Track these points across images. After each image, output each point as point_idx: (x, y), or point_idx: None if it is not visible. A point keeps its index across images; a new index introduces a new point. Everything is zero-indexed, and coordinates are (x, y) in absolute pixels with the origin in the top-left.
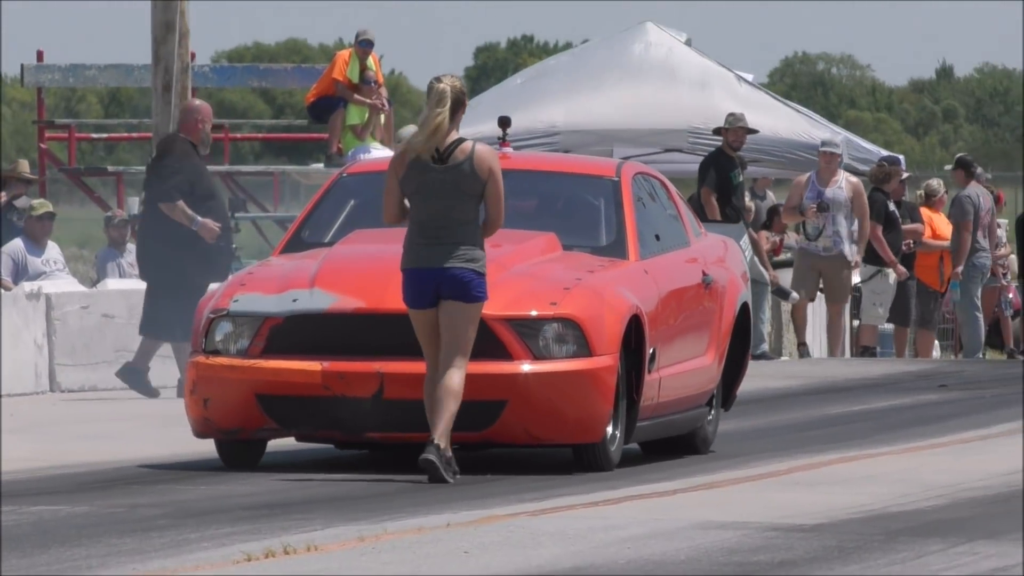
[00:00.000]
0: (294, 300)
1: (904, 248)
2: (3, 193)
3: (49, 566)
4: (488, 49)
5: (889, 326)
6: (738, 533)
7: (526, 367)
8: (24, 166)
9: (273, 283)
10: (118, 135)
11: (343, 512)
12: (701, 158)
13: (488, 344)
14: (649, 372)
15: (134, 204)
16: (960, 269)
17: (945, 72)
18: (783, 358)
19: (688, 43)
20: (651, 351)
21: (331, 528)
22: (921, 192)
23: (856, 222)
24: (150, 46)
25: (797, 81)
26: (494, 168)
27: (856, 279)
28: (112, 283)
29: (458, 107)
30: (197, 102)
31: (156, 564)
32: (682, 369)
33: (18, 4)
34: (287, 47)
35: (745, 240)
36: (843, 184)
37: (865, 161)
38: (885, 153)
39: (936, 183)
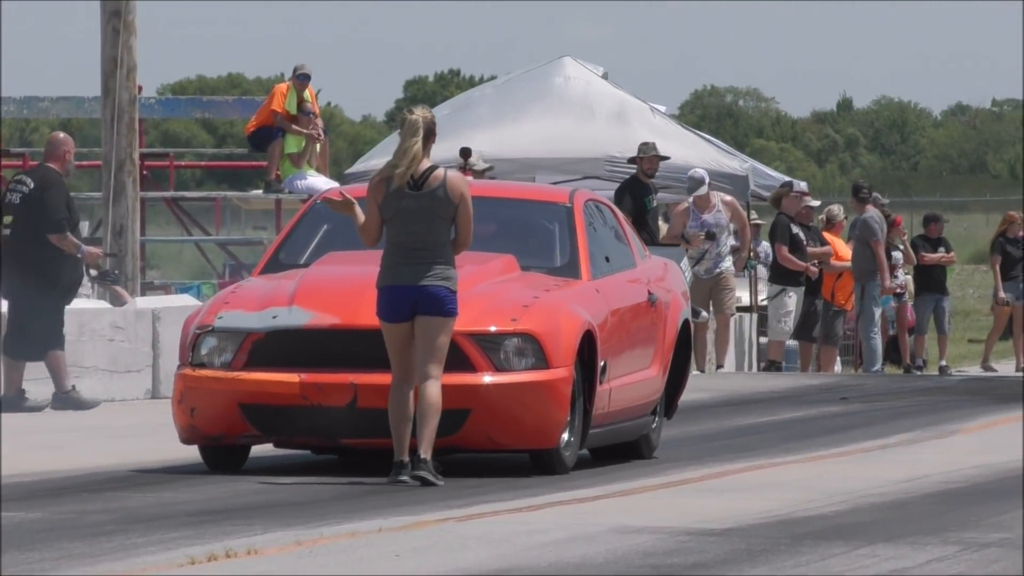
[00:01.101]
0: (274, 317)
1: (813, 268)
2: None
3: (5, 568)
4: (417, 82)
5: (794, 342)
6: (653, 537)
7: (488, 378)
8: None
9: (254, 301)
10: None
11: (281, 517)
12: (617, 185)
13: (453, 357)
14: (600, 383)
15: (83, 228)
16: (896, 283)
17: (845, 103)
18: (694, 372)
19: (605, 76)
20: (602, 364)
21: (270, 533)
22: (823, 216)
23: (736, 239)
24: (100, 79)
25: (707, 112)
26: (465, 193)
27: (745, 298)
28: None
29: (429, 136)
30: (62, 135)
31: (105, 567)
32: (630, 380)
33: None
34: (228, 80)
35: (685, 262)
36: (719, 206)
37: (769, 187)
38: (786, 179)
39: (836, 208)
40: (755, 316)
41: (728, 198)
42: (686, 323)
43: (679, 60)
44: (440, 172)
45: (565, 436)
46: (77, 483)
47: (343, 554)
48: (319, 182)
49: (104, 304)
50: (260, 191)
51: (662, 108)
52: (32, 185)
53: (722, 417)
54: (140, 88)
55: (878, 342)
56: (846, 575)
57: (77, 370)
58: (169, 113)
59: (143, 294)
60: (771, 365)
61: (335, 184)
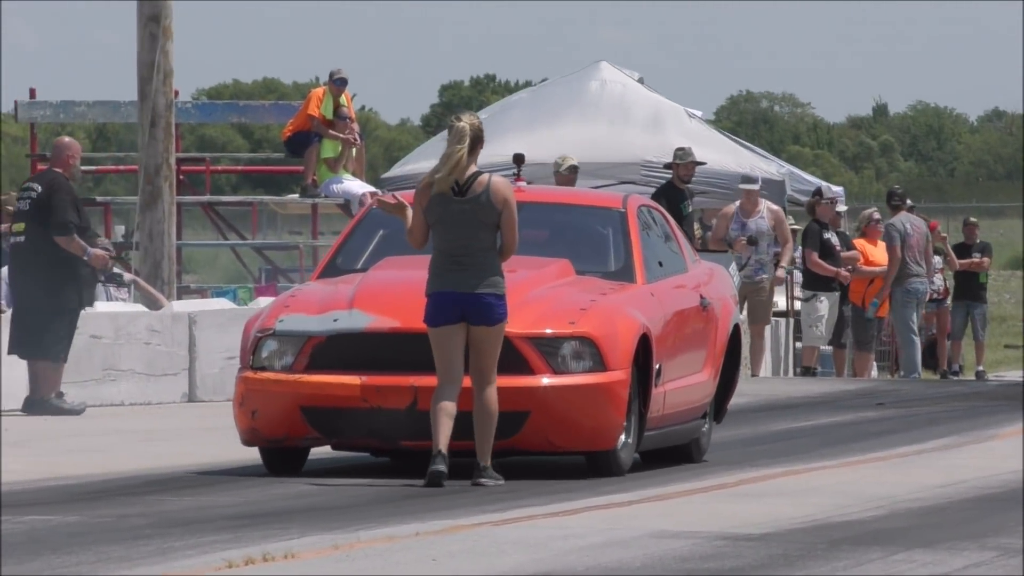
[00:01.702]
0: (335, 320)
1: (844, 273)
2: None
3: (42, 571)
4: (453, 87)
5: (828, 348)
6: (689, 542)
7: (547, 380)
8: (13, 199)
9: (315, 305)
10: (105, 167)
11: (319, 521)
12: (653, 190)
13: (512, 360)
14: (655, 386)
15: (119, 232)
16: (887, 291)
17: (881, 109)
18: None
19: (641, 81)
20: (657, 367)
21: (307, 536)
22: (858, 222)
23: (778, 246)
24: (136, 84)
25: (742, 118)
26: (509, 199)
27: (782, 303)
28: (101, 306)
29: (476, 143)
30: (67, 139)
31: (143, 570)
32: (683, 384)
33: (13, 45)
34: (264, 85)
35: (733, 267)
36: (765, 214)
37: (805, 192)
38: (823, 184)
39: (868, 213)
40: (791, 321)
41: (775, 207)
42: (736, 328)
43: (715, 65)
44: (485, 178)
45: (622, 438)
46: (115, 486)
47: (380, 558)
48: (355, 186)
49: (140, 308)
50: (296, 195)
51: (698, 113)
52: (39, 190)
53: (758, 422)
54: (176, 93)
55: (915, 347)
56: None
57: (114, 373)
58: (205, 118)
59: (179, 298)
60: (806, 371)
61: (371, 188)
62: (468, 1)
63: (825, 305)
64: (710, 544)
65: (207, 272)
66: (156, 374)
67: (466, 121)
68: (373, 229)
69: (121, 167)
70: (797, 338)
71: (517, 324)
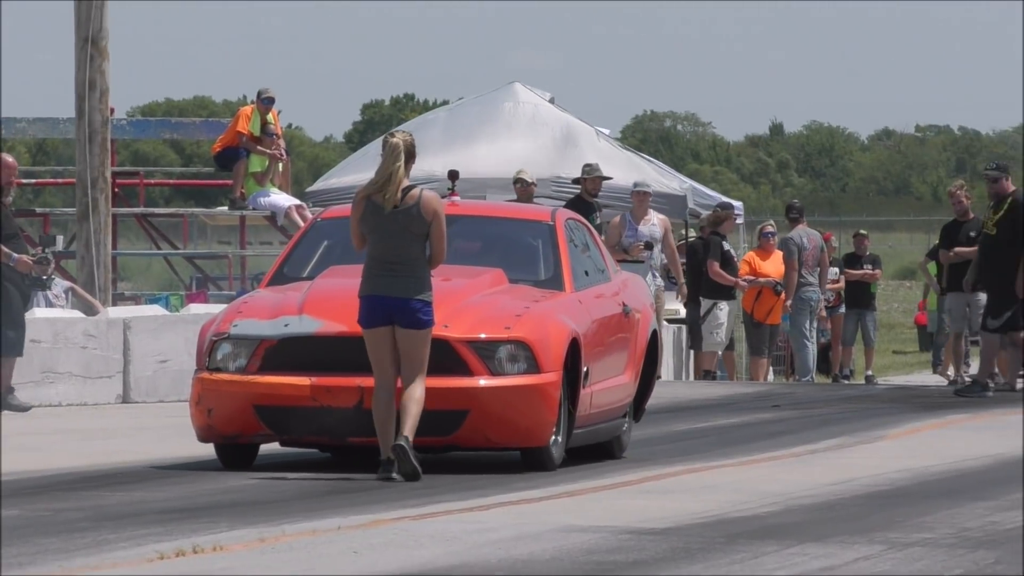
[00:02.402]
0: (286, 325)
1: (742, 283)
2: None
3: None
4: (374, 106)
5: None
6: (596, 536)
7: (484, 382)
8: None
9: (266, 311)
10: (45, 181)
11: (246, 516)
12: (563, 203)
13: (452, 362)
14: (583, 387)
15: (58, 241)
16: (789, 302)
17: (777, 128)
18: None
19: (552, 101)
20: (585, 369)
21: (235, 530)
22: (755, 234)
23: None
24: (74, 102)
25: (647, 136)
26: (438, 211)
27: (682, 311)
28: (39, 312)
29: (410, 158)
30: (9, 158)
31: (79, 562)
32: (607, 385)
33: None
34: (195, 103)
35: (649, 277)
36: (655, 221)
37: (706, 207)
38: (723, 199)
39: (762, 226)
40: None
41: (662, 216)
42: (655, 333)
43: (621, 86)
44: (416, 191)
45: (554, 436)
46: (52, 482)
47: (304, 551)
48: (281, 199)
49: (77, 314)
50: (225, 208)
51: (606, 131)
52: None
53: (661, 423)
54: (112, 110)
55: (808, 352)
56: (778, 573)
57: (52, 375)
58: (139, 134)
59: (114, 304)
60: (706, 375)
61: (296, 201)
62: (389, 24)
63: (725, 312)
64: (615, 538)
65: (141, 280)
66: (92, 376)
67: (399, 138)
68: (317, 240)
69: (60, 180)
70: (691, 345)
71: (456, 329)
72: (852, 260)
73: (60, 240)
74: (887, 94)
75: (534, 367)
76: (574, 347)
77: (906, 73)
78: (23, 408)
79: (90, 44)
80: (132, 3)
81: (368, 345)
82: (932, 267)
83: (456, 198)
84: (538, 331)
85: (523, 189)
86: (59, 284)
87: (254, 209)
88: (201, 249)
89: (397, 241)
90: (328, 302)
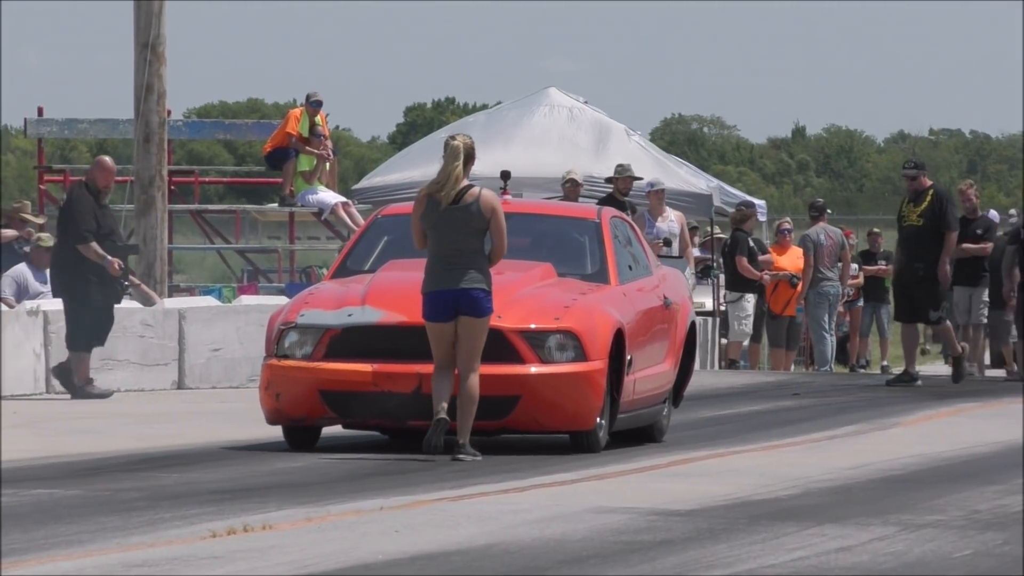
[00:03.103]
0: (349, 315)
1: (766, 276)
2: (12, 231)
3: (46, 539)
4: (416, 108)
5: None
6: (625, 517)
7: (535, 369)
8: (27, 207)
9: (331, 301)
10: None
11: (294, 496)
12: (595, 202)
13: (505, 351)
14: (627, 375)
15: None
16: (803, 296)
17: (799, 131)
18: None
19: (586, 104)
20: (629, 358)
21: (283, 510)
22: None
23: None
24: (132, 104)
25: (675, 138)
26: (496, 208)
27: (708, 303)
28: None
29: (469, 159)
30: (108, 160)
31: (136, 539)
32: (649, 373)
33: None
34: (248, 105)
35: (688, 271)
36: (672, 218)
37: (733, 205)
38: (746, 198)
39: (778, 224)
40: (717, 320)
41: (678, 213)
42: (693, 324)
43: (651, 91)
44: (476, 190)
45: (599, 420)
46: (111, 464)
47: (348, 529)
48: (328, 197)
49: (136, 304)
50: (275, 204)
51: (636, 133)
52: (63, 201)
53: (687, 410)
54: (169, 112)
55: (827, 344)
56: (797, 552)
57: (111, 363)
58: (194, 134)
59: (170, 295)
60: (731, 364)
61: (342, 198)
62: (431, 31)
63: (751, 304)
64: (644, 519)
65: (195, 272)
66: (149, 364)
67: (460, 140)
68: (378, 235)
69: (119, 178)
70: (722, 334)
71: (508, 319)
72: (867, 257)
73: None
74: (902, 99)
75: (582, 355)
76: (619, 337)
77: (920, 79)
78: (105, 394)
79: (148, 49)
80: (189, 11)
81: (432, 338)
82: None
83: (508, 196)
84: (585, 322)
85: (572, 189)
86: None
87: (302, 206)
88: (252, 243)
89: (457, 236)
90: (389, 294)
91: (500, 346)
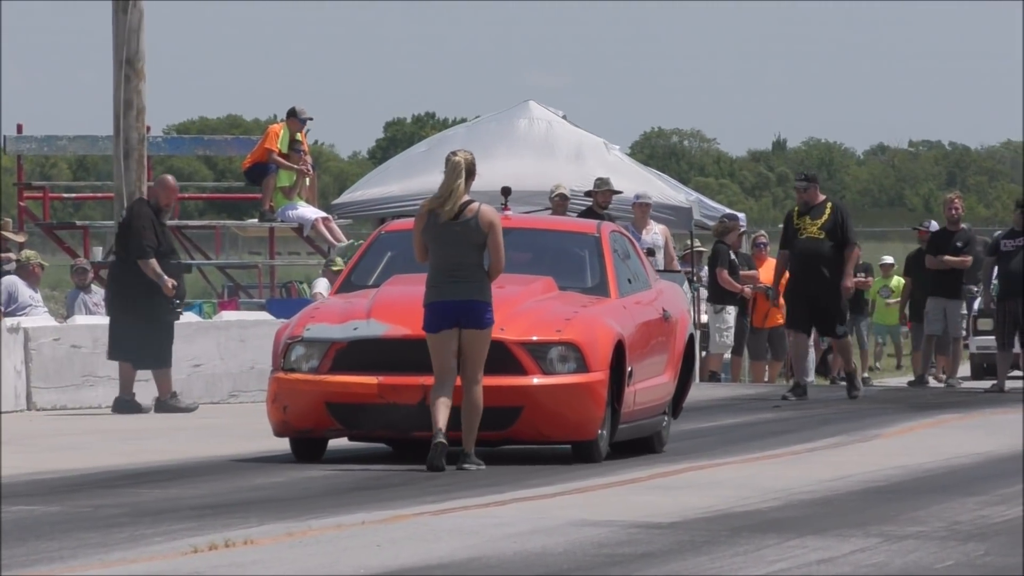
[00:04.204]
0: (355, 328)
1: (748, 289)
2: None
3: (27, 556)
4: (396, 123)
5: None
6: (606, 530)
7: (537, 380)
8: (8, 225)
9: (336, 315)
10: (85, 195)
11: (275, 511)
12: (574, 216)
13: (507, 362)
14: (628, 386)
15: (98, 252)
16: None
17: (779, 144)
18: None
19: (564, 118)
20: (629, 370)
21: (265, 525)
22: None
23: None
24: (112, 120)
25: (654, 151)
26: (494, 223)
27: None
28: (80, 319)
29: (470, 175)
30: (169, 179)
31: (117, 555)
32: (649, 384)
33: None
34: (228, 121)
35: (686, 285)
36: (656, 231)
37: (712, 218)
38: (728, 211)
39: (755, 236)
40: (698, 333)
41: (662, 226)
42: (691, 337)
43: (630, 104)
44: (475, 205)
45: (601, 430)
46: (92, 480)
47: (329, 544)
48: (308, 212)
49: None
50: (255, 220)
51: (616, 147)
52: (124, 216)
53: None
54: (148, 128)
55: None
56: (778, 564)
57: (92, 379)
58: (174, 151)
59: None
60: (712, 376)
61: (323, 214)
62: (411, 46)
63: (732, 316)
64: (625, 532)
65: None
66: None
67: (461, 156)
68: (382, 251)
69: (99, 194)
70: (703, 347)
71: (511, 332)
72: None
73: (99, 251)
74: (882, 112)
75: (583, 367)
76: (619, 349)
77: (900, 92)
78: (191, 408)
79: (128, 66)
80: (168, 27)
81: (432, 349)
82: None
83: (508, 212)
84: (587, 334)
85: (560, 202)
86: (98, 292)
87: (282, 221)
88: (232, 259)
89: (457, 250)
90: (393, 307)
91: (503, 358)
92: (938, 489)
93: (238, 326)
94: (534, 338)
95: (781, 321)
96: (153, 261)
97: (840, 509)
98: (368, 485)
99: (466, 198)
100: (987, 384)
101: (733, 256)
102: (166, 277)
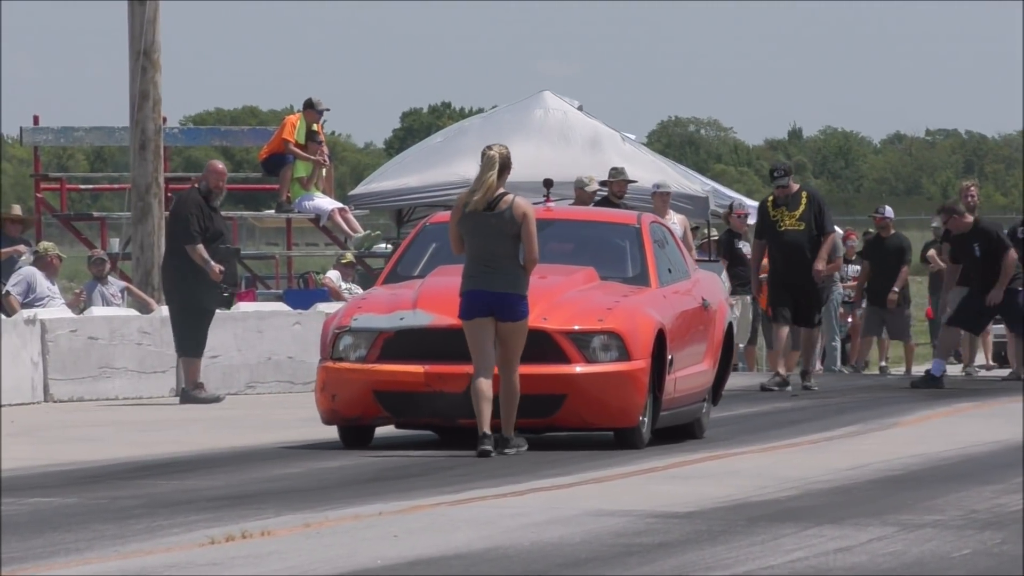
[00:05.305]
0: (401, 319)
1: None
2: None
3: (44, 548)
4: (413, 114)
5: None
6: (624, 519)
7: (580, 368)
8: (16, 208)
9: (383, 306)
10: (102, 186)
11: (292, 502)
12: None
13: (552, 351)
14: (668, 374)
15: (115, 244)
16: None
17: (795, 133)
18: None
19: (580, 108)
20: (670, 358)
21: (282, 516)
22: None
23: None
24: (128, 111)
25: (671, 141)
26: (528, 213)
27: None
28: (96, 310)
29: (504, 169)
30: (219, 165)
31: (134, 546)
32: (689, 372)
33: (17, 75)
34: (244, 112)
35: (724, 274)
36: (676, 220)
37: (726, 207)
38: (740, 198)
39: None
40: None
41: (682, 215)
42: (730, 325)
43: (647, 93)
44: (509, 197)
45: (642, 417)
46: (109, 472)
47: (346, 535)
48: (325, 203)
49: (133, 312)
50: (272, 211)
51: (632, 136)
52: (171, 206)
53: None
54: (164, 119)
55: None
56: (796, 553)
57: (109, 371)
58: (191, 141)
59: (164, 302)
60: None
61: (339, 204)
62: (428, 36)
63: (738, 307)
64: (642, 521)
65: None
66: (147, 371)
67: (496, 151)
68: (426, 242)
69: (115, 186)
70: None
71: (554, 321)
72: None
73: (116, 243)
74: (899, 100)
75: (625, 355)
76: (660, 337)
77: (916, 80)
78: (215, 399)
79: (144, 57)
80: (184, 18)
81: (468, 335)
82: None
83: (551, 204)
84: (628, 323)
85: (587, 193)
86: (115, 284)
87: (299, 212)
88: (250, 250)
89: (492, 241)
90: (438, 298)
91: (546, 347)
92: (955, 477)
93: (255, 317)
94: (576, 327)
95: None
96: (200, 247)
97: (857, 498)
98: (385, 476)
99: (502, 190)
100: (1005, 372)
101: (740, 245)
102: (213, 263)
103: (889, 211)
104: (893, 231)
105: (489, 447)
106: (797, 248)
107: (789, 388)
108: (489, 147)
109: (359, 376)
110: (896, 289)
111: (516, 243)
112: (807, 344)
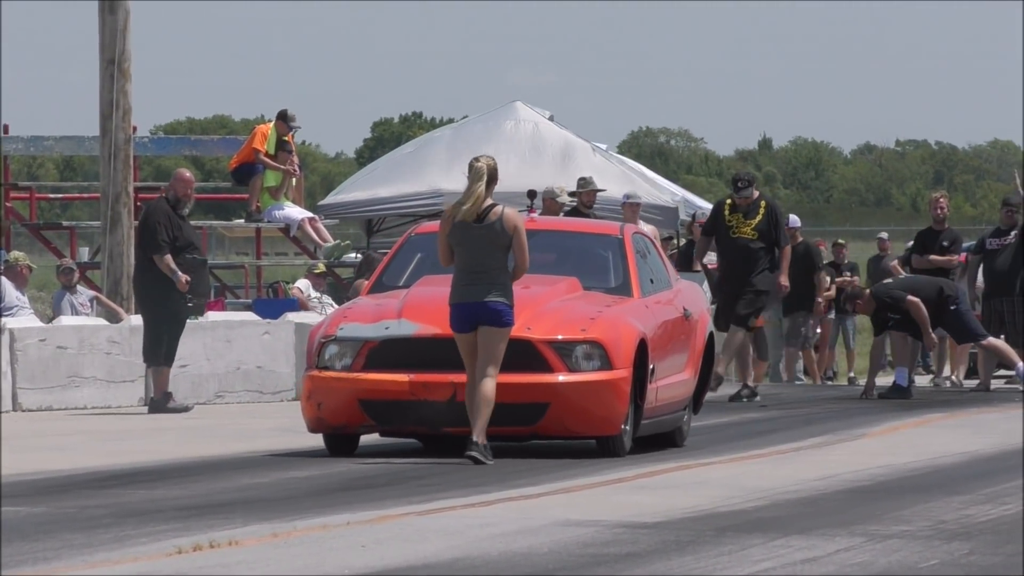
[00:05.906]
0: (386, 328)
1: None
2: None
3: (11, 557)
4: (383, 123)
5: None
6: (592, 529)
7: (563, 377)
8: None
9: (369, 315)
10: (72, 196)
11: (260, 512)
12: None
13: (535, 361)
14: (650, 383)
15: (84, 253)
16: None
17: (766, 144)
18: None
19: (551, 119)
20: (652, 367)
21: (249, 525)
22: None
23: None
24: (98, 121)
25: (642, 151)
26: (518, 226)
27: None
28: (65, 320)
29: (492, 180)
30: (185, 173)
31: (101, 556)
32: (671, 381)
33: None
34: (215, 121)
35: (705, 285)
36: (646, 231)
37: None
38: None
39: None
40: None
41: (651, 227)
42: (711, 335)
43: (618, 104)
44: (499, 208)
45: (624, 426)
46: (77, 481)
47: (315, 545)
48: (295, 212)
49: (102, 321)
50: (242, 220)
51: (603, 146)
52: (140, 217)
53: None
54: (135, 128)
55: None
56: (763, 564)
57: (78, 380)
58: (161, 151)
59: (137, 312)
60: None
61: (309, 214)
62: (398, 46)
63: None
64: (610, 531)
65: None
66: (116, 381)
67: (483, 162)
68: (412, 252)
69: (85, 195)
70: None
71: (537, 331)
72: (832, 268)
73: (86, 252)
74: (869, 111)
75: (607, 364)
76: (642, 347)
77: (887, 91)
78: (183, 409)
79: (114, 66)
80: (154, 27)
81: (460, 347)
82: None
83: (534, 215)
84: (610, 332)
85: (554, 203)
86: (84, 293)
87: (269, 222)
88: (219, 259)
89: (481, 253)
90: (423, 307)
91: (530, 356)
92: (923, 488)
93: (224, 326)
94: (560, 337)
95: (761, 323)
96: (168, 257)
97: (825, 508)
98: (354, 485)
99: (490, 202)
100: (973, 383)
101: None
102: (180, 273)
103: (794, 220)
104: (800, 239)
105: (475, 453)
106: (745, 260)
107: (758, 399)
108: (476, 159)
109: (344, 385)
110: (819, 300)
111: (505, 254)
112: (727, 347)
